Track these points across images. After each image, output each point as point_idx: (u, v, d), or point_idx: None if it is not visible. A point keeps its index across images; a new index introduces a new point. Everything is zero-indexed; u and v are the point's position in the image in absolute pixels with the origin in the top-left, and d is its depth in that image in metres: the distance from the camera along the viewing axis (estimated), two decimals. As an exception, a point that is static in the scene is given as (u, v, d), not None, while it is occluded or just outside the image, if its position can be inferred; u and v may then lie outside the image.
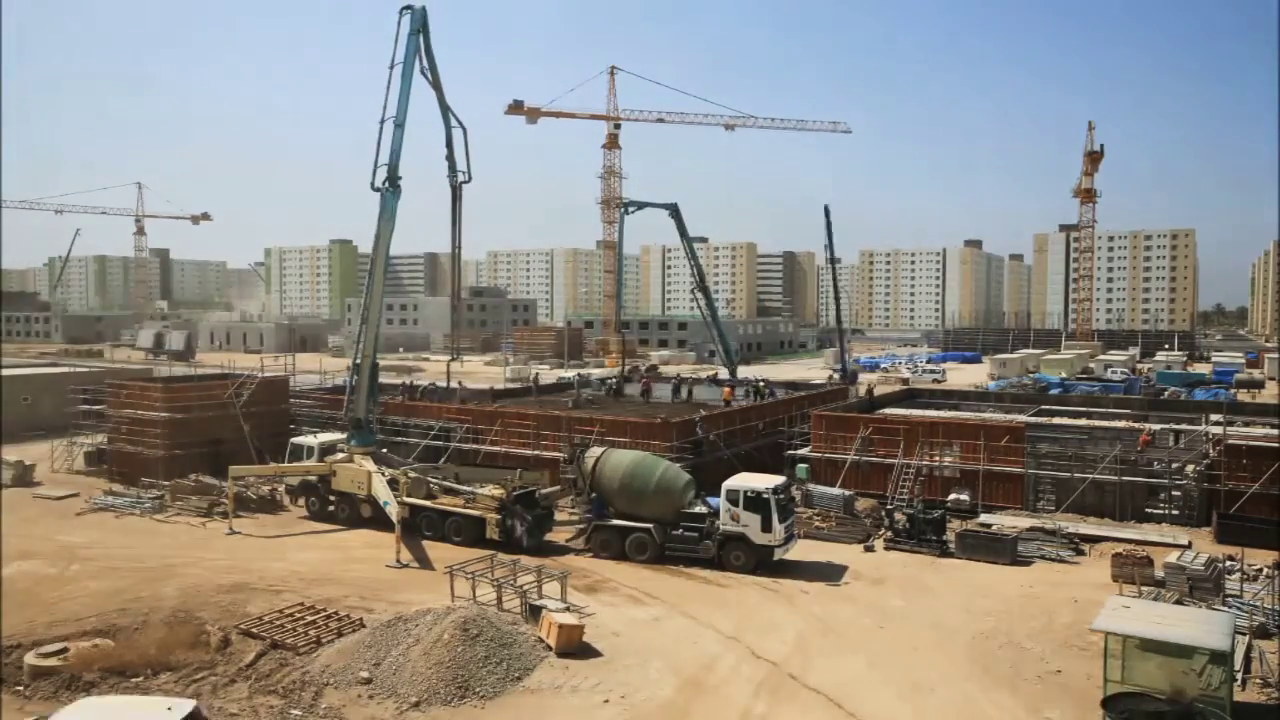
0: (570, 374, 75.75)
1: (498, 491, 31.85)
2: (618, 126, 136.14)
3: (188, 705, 14.06)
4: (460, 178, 38.69)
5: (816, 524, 33.15)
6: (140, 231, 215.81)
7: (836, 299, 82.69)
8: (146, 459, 42.15)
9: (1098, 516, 34.43)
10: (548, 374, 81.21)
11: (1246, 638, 21.51)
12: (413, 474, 34.27)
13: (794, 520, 30.44)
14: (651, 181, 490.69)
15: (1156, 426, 41.68)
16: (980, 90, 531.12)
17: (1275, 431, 38.42)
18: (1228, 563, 26.70)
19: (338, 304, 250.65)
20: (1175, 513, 34.23)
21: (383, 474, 34.29)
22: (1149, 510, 34.61)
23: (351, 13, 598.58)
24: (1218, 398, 63.98)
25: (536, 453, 39.71)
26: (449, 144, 38.25)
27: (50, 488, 41.32)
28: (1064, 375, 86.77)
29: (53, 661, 20.41)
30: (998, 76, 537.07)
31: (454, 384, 54.16)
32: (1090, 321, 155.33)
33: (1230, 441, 34.60)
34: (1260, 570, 26.63)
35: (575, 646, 21.72)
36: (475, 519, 31.76)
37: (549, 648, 21.62)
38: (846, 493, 35.17)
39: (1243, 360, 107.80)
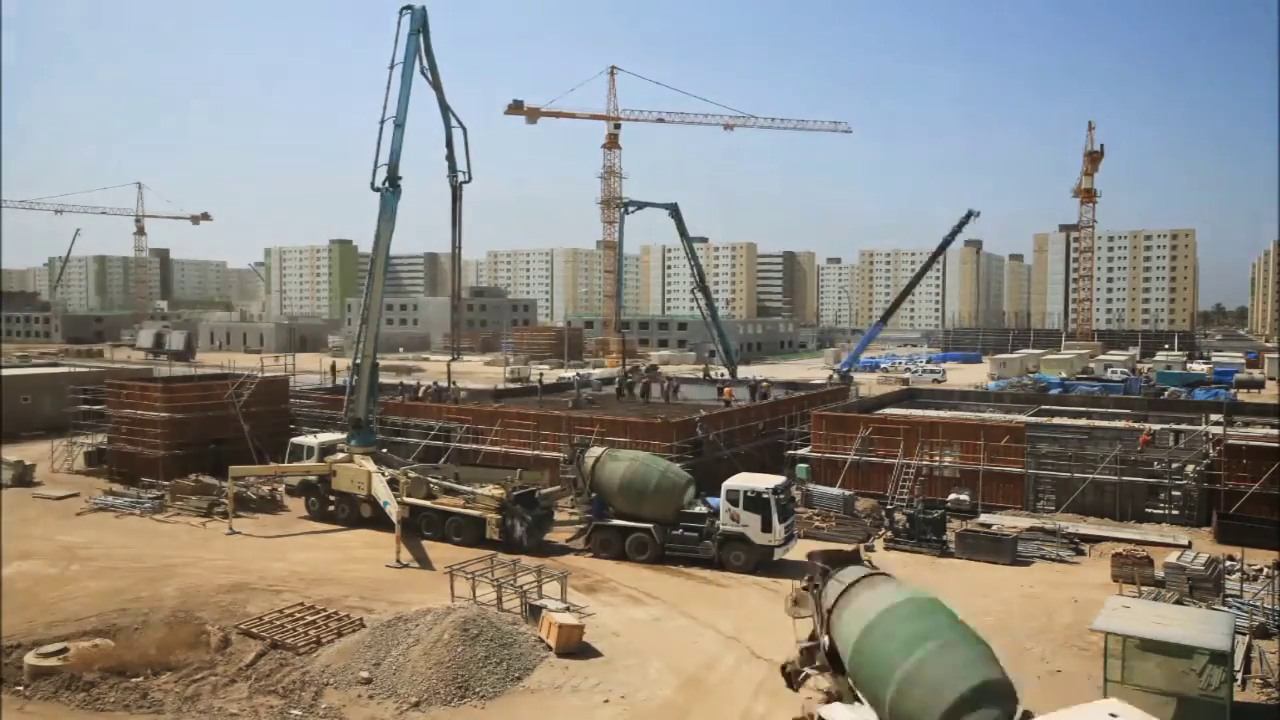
0: (570, 374, 75.73)
1: (498, 491, 31.85)
2: (618, 126, 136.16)
3: None
4: (460, 178, 38.68)
5: (816, 524, 33.15)
6: (140, 231, 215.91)
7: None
8: (146, 459, 42.16)
9: (1098, 516, 34.44)
10: (548, 374, 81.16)
11: (1246, 638, 21.50)
12: (413, 474, 34.27)
13: (794, 520, 30.44)
14: (651, 181, 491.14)
15: (1156, 426, 41.70)
16: (980, 90, 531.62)
17: (1275, 431, 38.43)
18: (1228, 563, 26.70)
19: (338, 304, 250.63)
20: (1175, 513, 34.24)
21: (383, 474, 34.30)
22: (1149, 510, 34.62)
23: (351, 12, 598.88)
24: (1218, 398, 64.00)
25: (536, 453, 39.71)
26: (449, 144, 38.23)
27: (50, 488, 41.31)
28: (1064, 375, 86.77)
29: (53, 661, 20.41)
30: (998, 76, 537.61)
31: (450, 384, 54.13)
32: (1090, 321, 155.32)
33: (1230, 441, 34.60)
34: (1260, 570, 26.62)
35: (575, 646, 21.72)
36: (475, 519, 31.76)
37: (549, 648, 21.62)
38: (846, 493, 35.17)
39: (1242, 360, 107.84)
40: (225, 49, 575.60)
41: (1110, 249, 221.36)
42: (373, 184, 36.07)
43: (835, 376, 66.84)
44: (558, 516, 33.57)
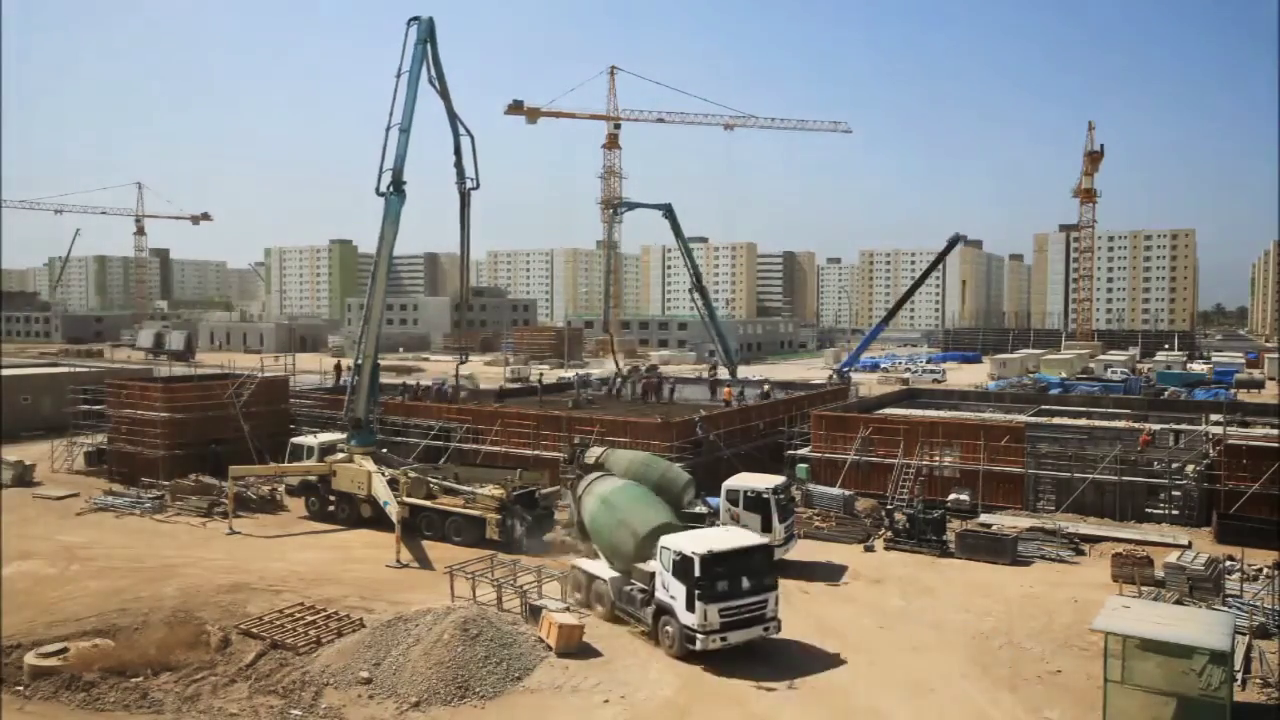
0: (570, 374, 75.72)
1: (498, 491, 31.86)
2: (618, 126, 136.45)
3: None
4: (469, 184, 38.91)
5: (816, 524, 33.14)
6: (140, 231, 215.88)
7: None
8: (146, 459, 42.16)
9: (1098, 516, 34.43)
10: (548, 375, 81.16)
11: (1246, 638, 21.51)
12: (413, 474, 34.28)
13: (794, 520, 30.42)
14: (651, 181, 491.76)
15: (1156, 426, 41.70)
16: (981, 90, 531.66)
17: (1275, 431, 38.43)
18: (1228, 563, 26.69)
19: (338, 304, 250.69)
20: (1175, 513, 34.23)
21: (383, 474, 34.30)
22: (1149, 510, 34.61)
23: (351, 12, 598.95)
24: (1217, 398, 64.00)
25: (536, 453, 39.72)
26: (457, 151, 38.40)
27: (50, 488, 41.31)
28: (1064, 375, 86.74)
29: (53, 661, 20.41)
30: (998, 76, 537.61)
31: (449, 384, 54.16)
32: (1090, 321, 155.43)
33: (1230, 441, 34.60)
34: (1260, 570, 26.62)
35: (575, 646, 21.71)
36: (475, 519, 31.76)
37: (549, 648, 21.61)
38: (846, 493, 35.15)
39: (1242, 360, 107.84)
40: (225, 49, 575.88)
41: (1110, 249, 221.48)
42: (378, 188, 36.28)
43: (835, 377, 66.77)
44: (558, 516, 33.56)
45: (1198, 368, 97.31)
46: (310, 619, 23.30)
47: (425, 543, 31.80)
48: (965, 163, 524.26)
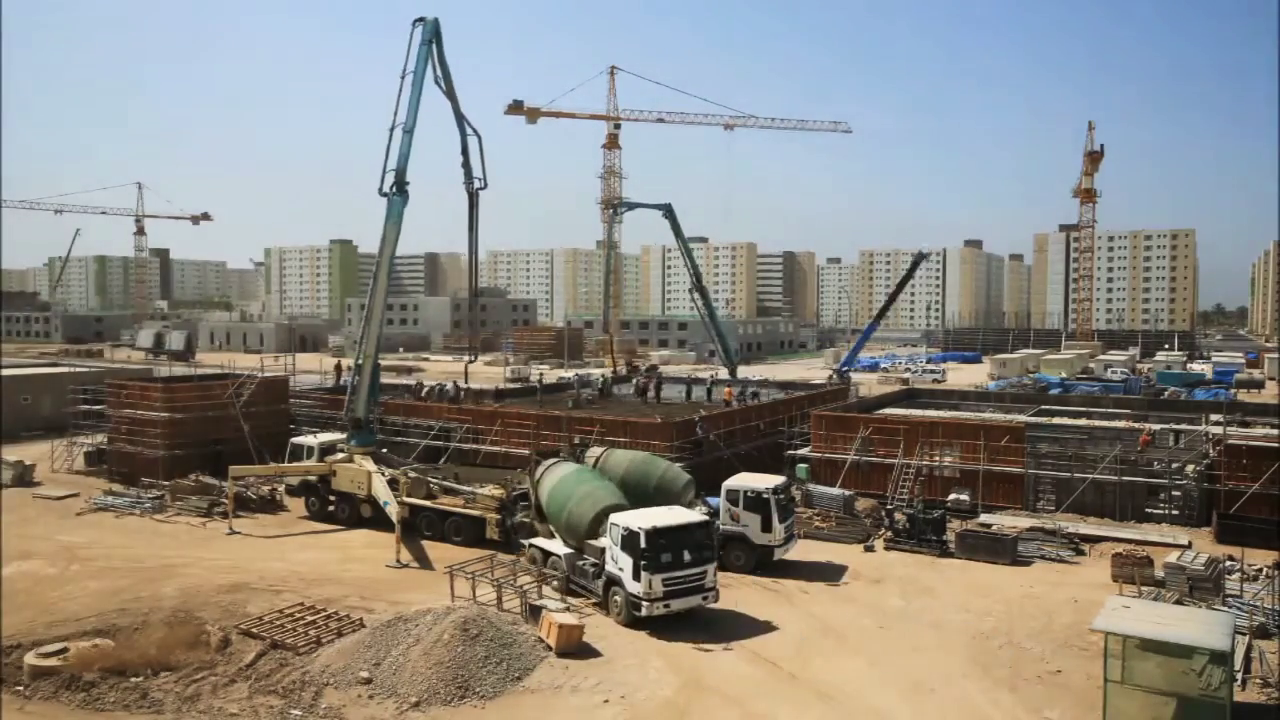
0: (570, 374, 75.72)
1: (498, 491, 31.87)
2: (618, 126, 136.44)
3: None
4: (477, 184, 38.98)
5: (816, 524, 33.14)
6: (140, 231, 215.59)
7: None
8: (146, 459, 42.15)
9: (1098, 516, 34.42)
10: (548, 375, 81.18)
11: (1246, 638, 21.51)
12: (413, 474, 34.30)
13: (794, 520, 30.42)
14: (651, 181, 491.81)
15: (1156, 426, 41.67)
16: (980, 90, 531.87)
17: (1275, 431, 38.42)
18: (1228, 563, 26.69)
19: (338, 304, 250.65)
20: (1175, 513, 34.23)
21: (383, 474, 34.31)
22: (1149, 510, 34.61)
23: (351, 12, 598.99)
24: (1218, 398, 63.98)
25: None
26: (464, 151, 38.54)
27: (50, 488, 41.31)
28: (1064, 375, 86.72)
29: (53, 661, 20.41)
30: (998, 76, 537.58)
31: (448, 384, 54.15)
32: (1090, 321, 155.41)
33: (1230, 441, 34.60)
34: (1260, 570, 26.62)
35: (575, 646, 21.72)
36: (475, 519, 31.76)
37: (549, 648, 21.62)
38: (846, 493, 35.15)
39: (1242, 360, 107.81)
40: (225, 48, 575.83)
41: (1110, 249, 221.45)
42: (380, 189, 36.29)
43: (835, 377, 66.76)
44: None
45: (1198, 368, 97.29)
46: (310, 619, 23.31)
47: (425, 543, 31.80)
48: (965, 163, 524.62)
